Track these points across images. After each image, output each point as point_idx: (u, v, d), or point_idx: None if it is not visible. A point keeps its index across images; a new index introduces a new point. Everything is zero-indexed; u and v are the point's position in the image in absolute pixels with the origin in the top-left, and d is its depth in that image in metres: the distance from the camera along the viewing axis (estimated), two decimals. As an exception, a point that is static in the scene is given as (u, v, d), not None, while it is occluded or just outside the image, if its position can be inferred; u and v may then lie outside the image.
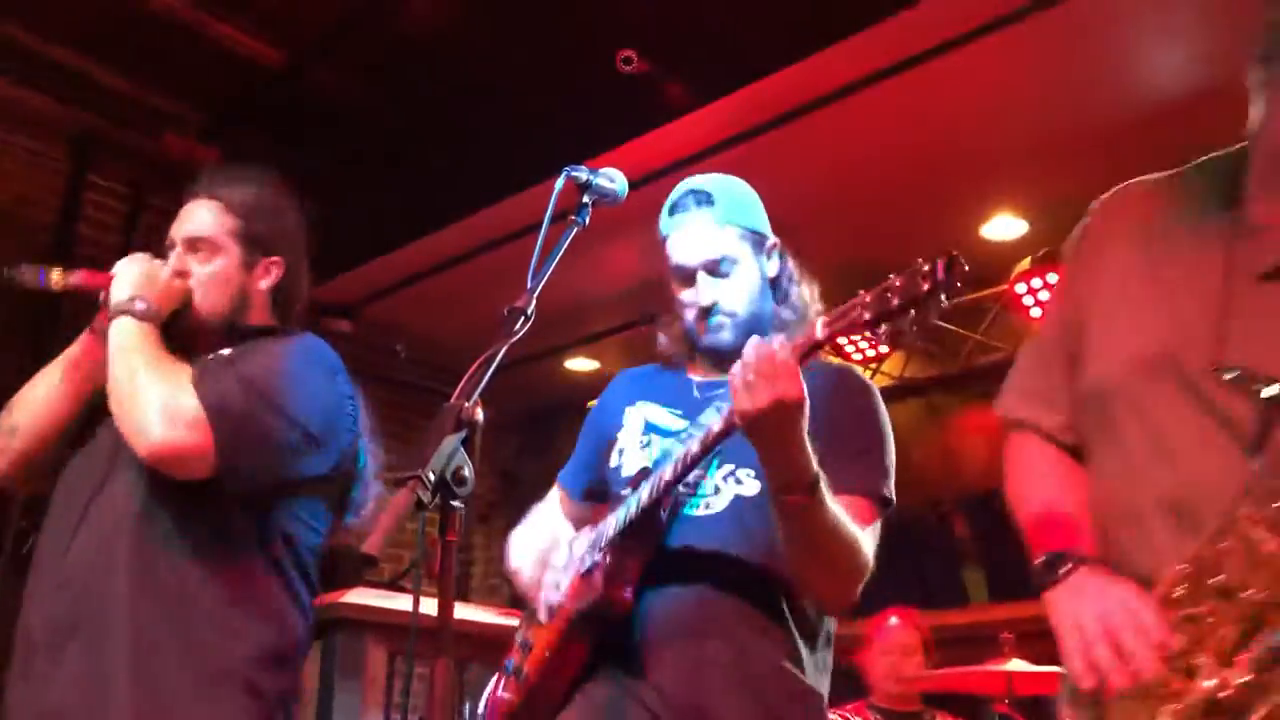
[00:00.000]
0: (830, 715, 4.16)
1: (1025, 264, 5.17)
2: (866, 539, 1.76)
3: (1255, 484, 1.32)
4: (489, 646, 1.93)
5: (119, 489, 2.00)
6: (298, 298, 2.32)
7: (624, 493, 1.85)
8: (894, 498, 1.88)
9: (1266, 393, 1.34)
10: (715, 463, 1.87)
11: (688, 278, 1.97)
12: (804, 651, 1.83)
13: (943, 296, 1.42)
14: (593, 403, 2.24)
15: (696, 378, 2.03)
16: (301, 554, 2.18)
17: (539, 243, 1.66)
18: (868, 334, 1.51)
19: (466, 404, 1.33)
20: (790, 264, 2.05)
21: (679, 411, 1.98)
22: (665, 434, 1.95)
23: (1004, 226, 5.25)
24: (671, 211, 2.00)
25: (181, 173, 5.71)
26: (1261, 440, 1.34)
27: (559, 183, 1.76)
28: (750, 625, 1.79)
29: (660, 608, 1.79)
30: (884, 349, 5.80)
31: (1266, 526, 1.30)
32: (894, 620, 4.39)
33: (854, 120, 4.33)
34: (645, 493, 1.75)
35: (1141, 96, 4.17)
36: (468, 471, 1.26)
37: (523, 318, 1.55)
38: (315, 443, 2.05)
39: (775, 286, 2.03)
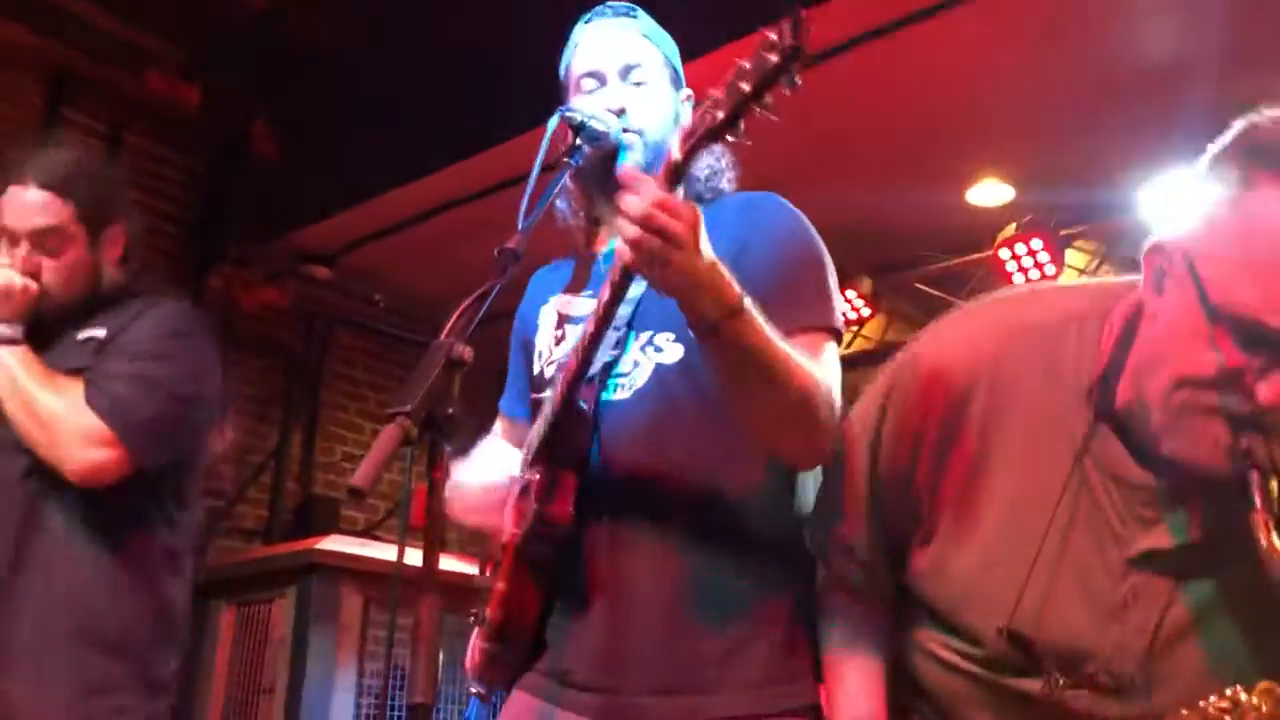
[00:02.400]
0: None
1: (1010, 230, 5.17)
2: (823, 369, 1.57)
3: None
4: (467, 596, 1.83)
5: (10, 475, 2.14)
6: (139, 248, 2.40)
7: (544, 395, 1.70)
8: (843, 330, 1.70)
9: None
10: (631, 335, 1.71)
11: (599, 81, 1.82)
12: (761, 542, 1.65)
13: (794, 65, 1.25)
14: None
15: (600, 250, 1.87)
16: (188, 508, 2.31)
17: (530, 184, 1.61)
18: (731, 135, 1.33)
19: (456, 342, 1.30)
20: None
21: (590, 292, 1.81)
22: (577, 320, 1.77)
23: (990, 192, 5.25)
24: (587, 20, 1.88)
25: (163, 112, 5.67)
26: None
27: (552, 122, 1.70)
28: (692, 534, 1.60)
29: (598, 527, 1.63)
30: (865, 312, 5.80)
31: None
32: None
33: (839, 85, 4.29)
34: (556, 390, 1.60)
35: (1127, 63, 4.15)
36: (455, 410, 1.25)
37: (514, 259, 1.50)
38: (205, 408, 2.26)
39: None
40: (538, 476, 1.62)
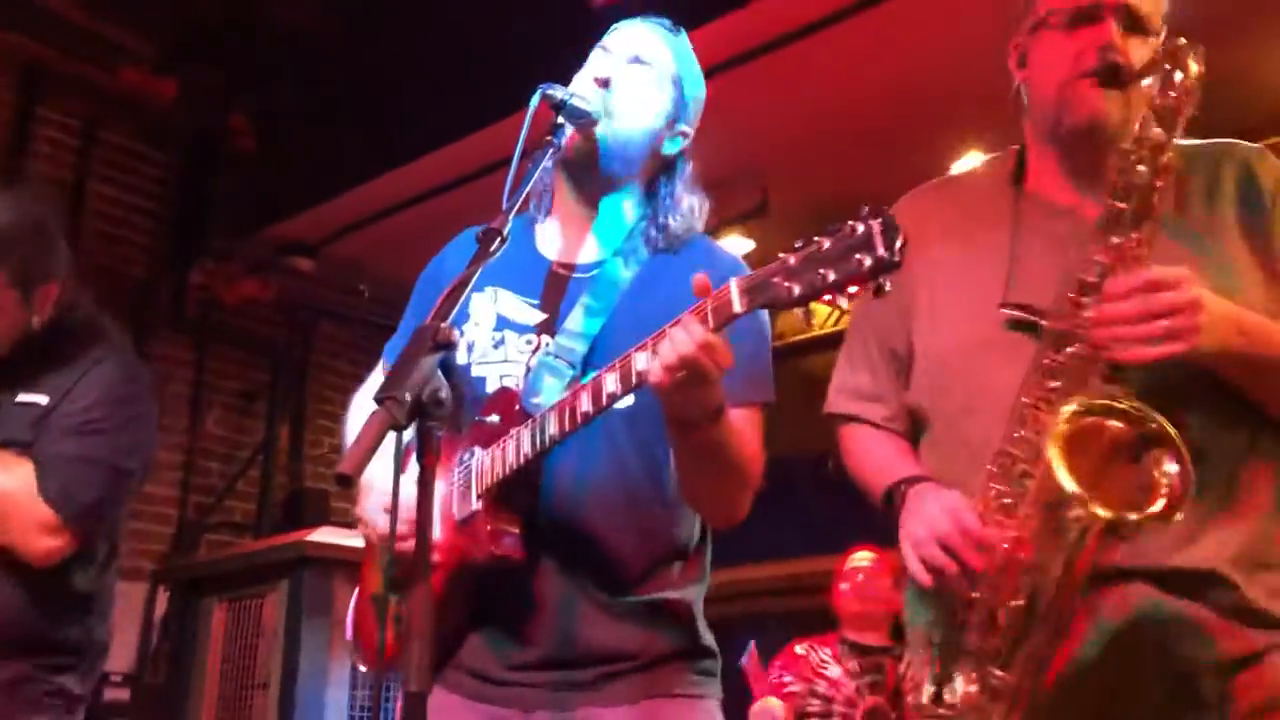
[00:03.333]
0: (798, 646, 4.24)
1: (994, 203, 5.17)
2: (755, 454, 1.69)
3: (1030, 375, 1.54)
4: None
5: None
6: (73, 298, 2.38)
7: (490, 419, 1.69)
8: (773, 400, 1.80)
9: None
10: (587, 377, 1.69)
11: (605, 52, 1.84)
12: (682, 568, 1.77)
13: (883, 281, 1.27)
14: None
15: (552, 255, 1.85)
16: (114, 550, 2.40)
17: (514, 163, 1.60)
18: (790, 309, 1.36)
19: (443, 325, 1.29)
20: (689, 164, 1.89)
21: (534, 302, 1.80)
22: (519, 329, 1.78)
23: (974, 163, 5.23)
24: (633, 17, 1.90)
25: (138, 107, 5.61)
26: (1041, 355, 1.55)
27: (534, 100, 1.68)
28: (612, 562, 1.70)
29: (537, 550, 1.68)
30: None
31: (1044, 405, 1.51)
32: (863, 553, 4.44)
33: (824, 56, 4.28)
34: (526, 444, 1.59)
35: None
36: (445, 394, 1.24)
37: (499, 238, 1.50)
38: (141, 472, 2.36)
39: (669, 168, 1.86)
40: (484, 511, 1.64)
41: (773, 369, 1.81)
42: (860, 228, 1.28)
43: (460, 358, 1.82)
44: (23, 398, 2.26)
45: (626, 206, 1.85)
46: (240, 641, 4.79)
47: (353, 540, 4.79)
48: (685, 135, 1.88)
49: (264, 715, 4.55)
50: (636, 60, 1.81)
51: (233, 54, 5.55)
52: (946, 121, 4.86)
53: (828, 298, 1.31)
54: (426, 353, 1.23)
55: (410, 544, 1.66)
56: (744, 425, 1.66)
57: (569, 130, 1.69)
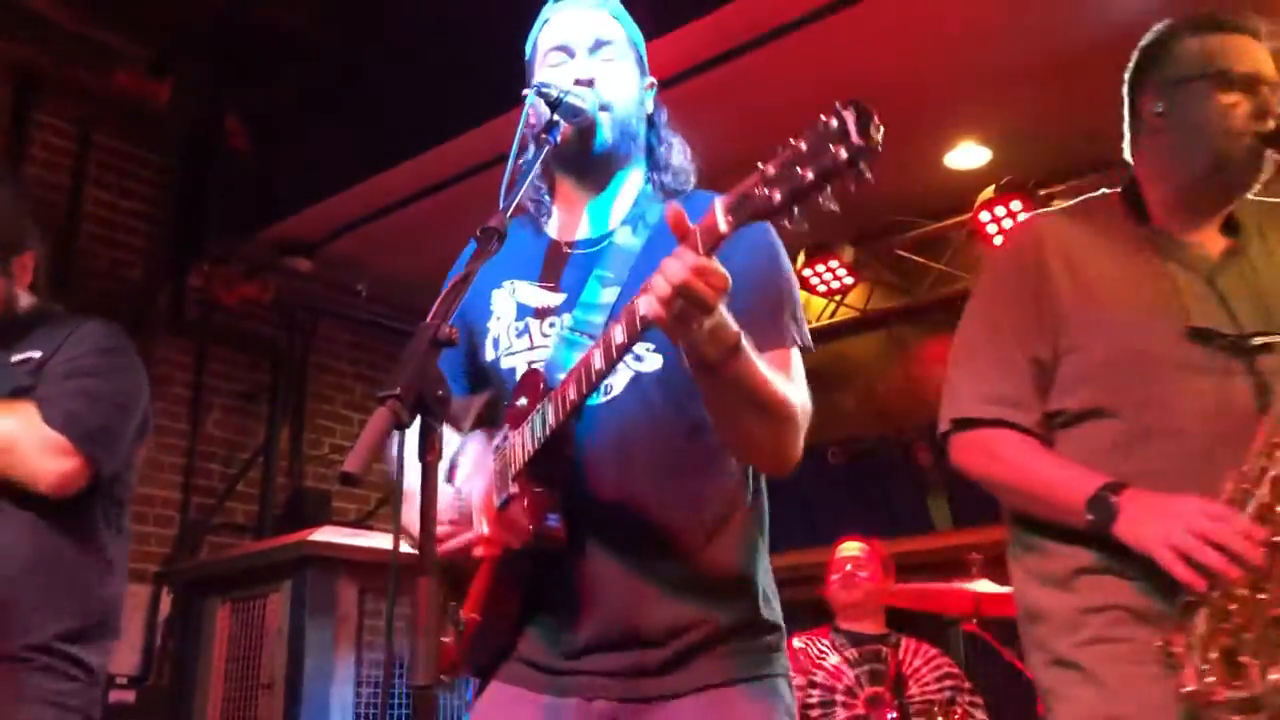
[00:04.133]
0: (794, 640, 4.25)
1: (989, 192, 5.18)
2: (797, 388, 1.66)
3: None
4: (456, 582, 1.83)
5: None
6: (46, 271, 2.54)
7: (519, 403, 1.70)
8: (812, 345, 1.77)
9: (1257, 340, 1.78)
10: None
11: (568, 55, 1.82)
12: (731, 535, 1.73)
13: (863, 167, 1.22)
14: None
15: (562, 237, 1.86)
16: (125, 509, 2.47)
17: (510, 161, 1.61)
18: (786, 221, 1.30)
19: (442, 324, 1.30)
20: (665, 112, 1.92)
21: (550, 285, 1.81)
22: (540, 315, 1.79)
23: (967, 155, 5.25)
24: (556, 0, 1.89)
25: (132, 110, 5.62)
26: (1259, 380, 1.77)
27: (530, 97, 1.69)
28: (662, 533, 1.67)
29: (576, 529, 1.66)
30: (848, 280, 5.81)
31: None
32: (851, 544, 4.46)
33: (815, 49, 4.28)
34: (550, 414, 1.59)
35: (1103, 22, 4.15)
36: (445, 391, 1.24)
37: (496, 238, 1.50)
38: (141, 418, 2.43)
39: (651, 126, 1.89)
40: (520, 493, 1.63)
41: (801, 309, 1.78)
42: (834, 121, 1.24)
43: (488, 354, 1.83)
44: (17, 357, 2.37)
45: (632, 178, 1.87)
46: (244, 642, 4.81)
47: (355, 539, 4.81)
48: (653, 84, 1.92)
49: (269, 715, 4.56)
50: (598, 43, 1.83)
51: (226, 55, 5.55)
52: (937, 114, 4.89)
53: (816, 199, 1.27)
54: (426, 351, 1.24)
55: (452, 544, 1.69)
56: (775, 364, 1.62)
57: (563, 126, 1.70)
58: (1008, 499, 1.94)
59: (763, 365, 1.55)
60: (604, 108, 1.77)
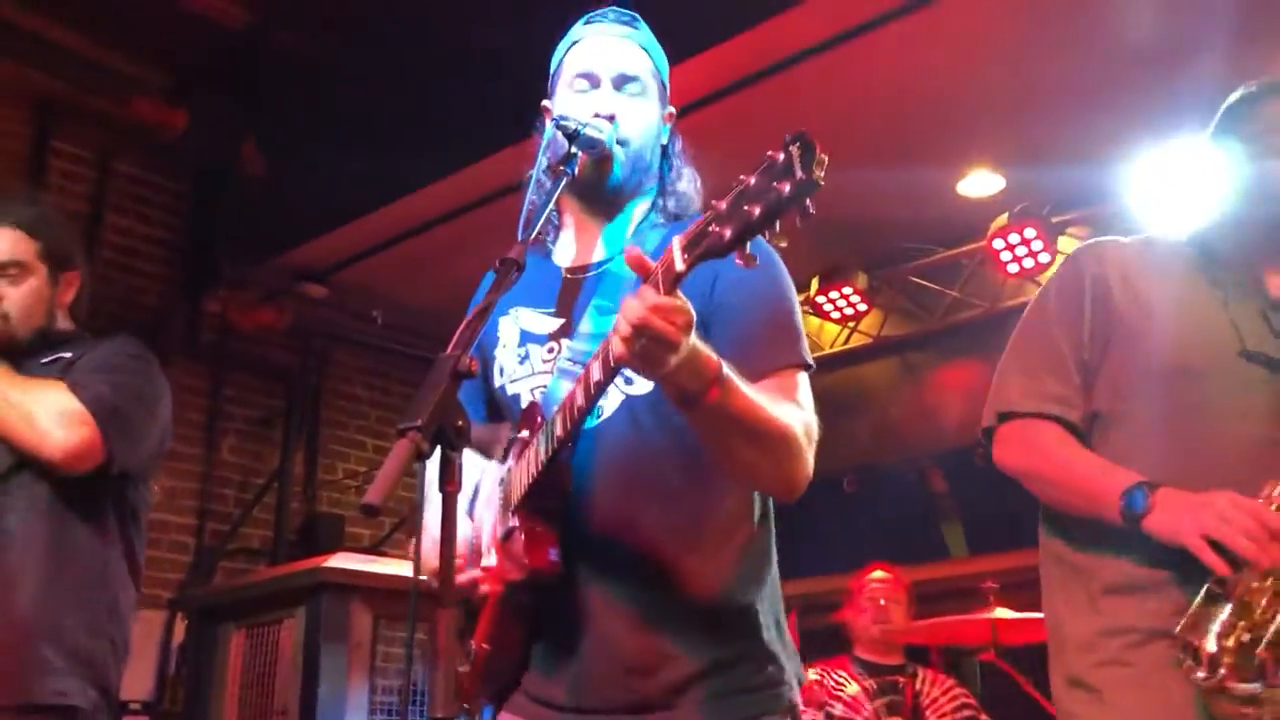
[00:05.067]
0: (810, 671, 4.23)
1: (1003, 220, 5.18)
2: (799, 410, 1.64)
3: None
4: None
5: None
6: (86, 303, 2.65)
7: (521, 434, 1.71)
8: (813, 363, 1.76)
9: None
10: None
11: (591, 84, 1.83)
12: (729, 563, 1.71)
13: (807, 200, 1.24)
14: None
15: (566, 263, 1.87)
16: (140, 527, 2.50)
17: (529, 192, 1.63)
18: (736, 254, 1.32)
19: (462, 355, 1.30)
20: (680, 142, 1.93)
21: (549, 310, 1.82)
22: (540, 340, 1.80)
23: (981, 182, 5.25)
24: (588, 21, 1.89)
25: (150, 138, 5.67)
26: None
27: (549, 129, 1.70)
28: (662, 562, 1.65)
29: (575, 558, 1.65)
30: (861, 307, 5.81)
31: None
32: (878, 572, 4.43)
33: (827, 78, 4.30)
34: (540, 448, 1.60)
35: (1115, 46, 4.16)
36: (465, 422, 1.25)
37: (515, 269, 1.50)
38: (159, 423, 2.47)
39: (665, 156, 1.90)
40: (519, 525, 1.63)
41: (803, 329, 1.77)
42: (781, 156, 1.25)
43: (496, 381, 1.85)
44: (49, 359, 2.46)
45: (642, 206, 1.87)
46: (258, 668, 4.80)
47: (369, 566, 4.81)
48: (672, 115, 1.93)
49: (283, 742, 4.55)
50: (623, 78, 1.83)
51: (242, 83, 5.60)
52: (950, 141, 4.90)
53: (766, 231, 1.28)
54: (446, 382, 1.25)
55: (468, 576, 1.69)
56: (772, 389, 1.61)
57: (580, 158, 1.71)
58: (1043, 491, 2.00)
59: (750, 391, 1.52)
60: (621, 143, 1.78)
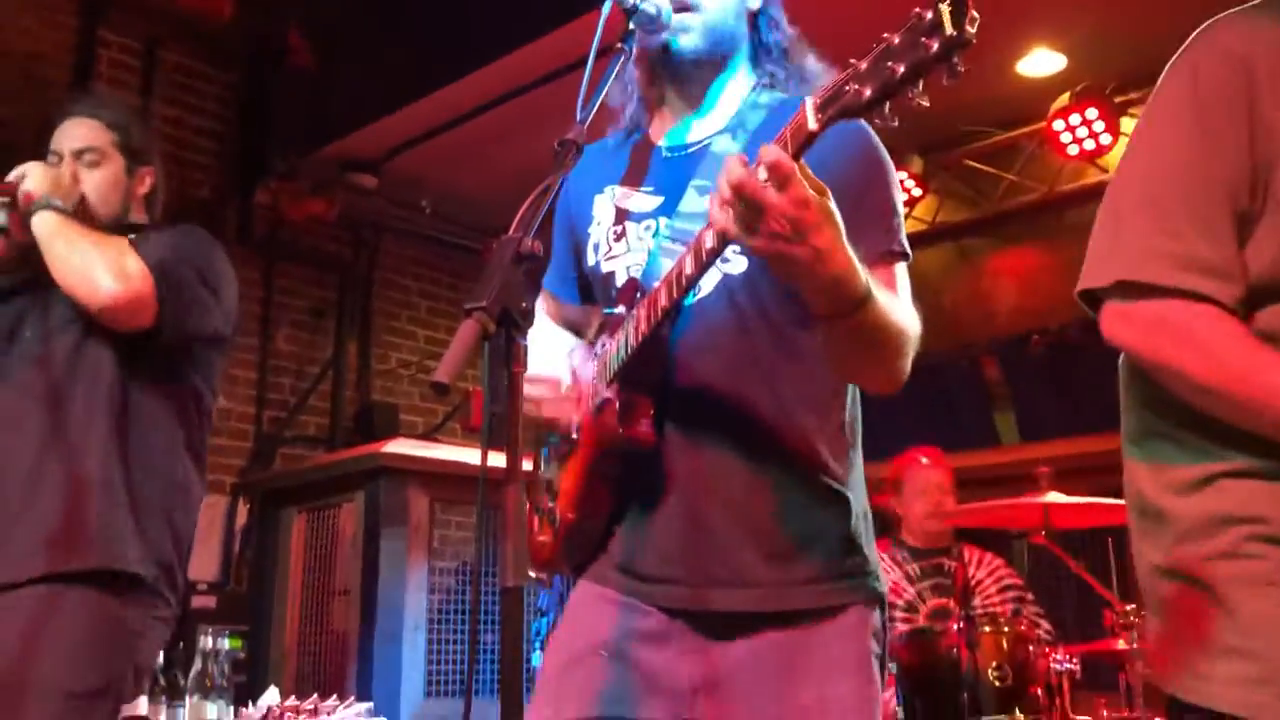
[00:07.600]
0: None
1: (1064, 100, 5.03)
2: (908, 310, 1.60)
3: None
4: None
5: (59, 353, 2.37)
6: (161, 201, 2.71)
7: (617, 310, 1.71)
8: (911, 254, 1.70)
9: None
10: None
11: None
12: (826, 440, 1.70)
13: (955, 60, 1.17)
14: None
15: (661, 141, 1.83)
16: (204, 412, 2.55)
17: (586, 72, 1.58)
18: (876, 117, 1.25)
19: (525, 236, 1.29)
20: (780, 11, 1.83)
21: (649, 188, 1.79)
22: (638, 218, 1.78)
23: (1041, 61, 5.09)
24: None
25: (197, 26, 5.64)
26: None
27: (606, 7, 1.65)
28: (760, 437, 1.64)
29: (670, 432, 1.66)
30: (916, 192, 5.71)
31: None
32: (925, 460, 4.42)
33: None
34: (642, 320, 1.59)
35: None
36: (529, 304, 1.25)
37: (575, 150, 1.48)
38: (221, 305, 2.49)
39: (755, 23, 1.81)
40: (613, 397, 1.64)
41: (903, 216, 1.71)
42: (929, 13, 1.19)
43: (589, 260, 1.84)
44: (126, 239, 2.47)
45: (735, 82, 1.81)
46: (319, 550, 4.96)
47: (425, 451, 4.91)
48: None
49: (345, 620, 4.72)
50: None
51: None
52: (1009, 19, 4.73)
53: (907, 93, 1.21)
54: (509, 264, 1.24)
55: (561, 411, 1.72)
56: (882, 281, 1.53)
57: (639, 35, 1.66)
58: (1199, 399, 1.42)
59: (884, 302, 1.47)
60: (685, 8, 1.71)
